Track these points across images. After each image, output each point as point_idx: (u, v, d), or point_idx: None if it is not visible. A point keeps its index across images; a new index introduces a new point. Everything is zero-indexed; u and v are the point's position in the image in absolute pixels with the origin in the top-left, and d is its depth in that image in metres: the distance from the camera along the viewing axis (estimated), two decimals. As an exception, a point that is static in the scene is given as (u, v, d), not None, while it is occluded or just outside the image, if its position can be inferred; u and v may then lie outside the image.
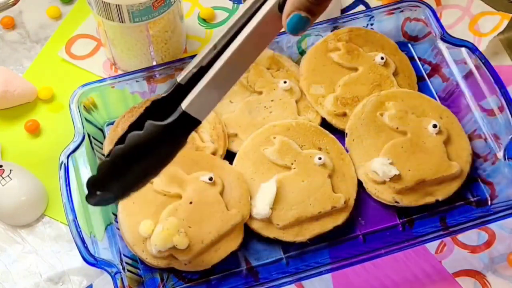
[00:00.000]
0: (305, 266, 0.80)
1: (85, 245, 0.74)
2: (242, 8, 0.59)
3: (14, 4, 0.92)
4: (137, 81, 0.87)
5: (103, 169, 0.61)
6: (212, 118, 0.87)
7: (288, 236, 0.81)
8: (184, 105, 0.58)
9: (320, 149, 0.85)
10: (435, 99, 0.91)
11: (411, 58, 0.94)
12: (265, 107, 0.89)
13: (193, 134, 0.86)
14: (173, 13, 0.88)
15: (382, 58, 0.90)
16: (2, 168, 0.85)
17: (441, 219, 0.84)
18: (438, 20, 0.90)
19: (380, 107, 0.87)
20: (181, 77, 0.60)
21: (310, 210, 0.81)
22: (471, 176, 0.86)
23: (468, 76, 0.87)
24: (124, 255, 0.80)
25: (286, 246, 0.82)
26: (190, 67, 0.60)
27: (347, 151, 0.86)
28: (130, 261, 0.80)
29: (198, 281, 0.80)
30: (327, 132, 0.87)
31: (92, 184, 0.62)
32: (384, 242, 0.79)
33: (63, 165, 0.79)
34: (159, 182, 0.81)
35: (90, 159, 0.82)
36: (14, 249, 0.84)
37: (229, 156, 0.86)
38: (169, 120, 0.58)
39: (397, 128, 0.86)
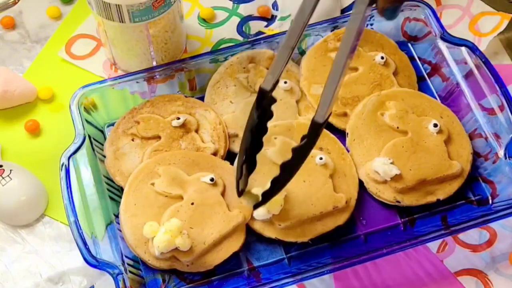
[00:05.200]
0: (306, 266, 0.80)
1: (87, 246, 0.74)
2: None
3: (14, 4, 0.92)
4: (137, 82, 0.87)
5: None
6: (213, 118, 0.87)
7: (289, 237, 0.81)
8: (320, 119, 0.68)
9: (321, 149, 0.85)
10: (436, 98, 0.91)
11: (411, 58, 0.94)
12: (265, 107, 0.89)
13: (194, 134, 0.86)
14: (173, 13, 0.88)
15: (382, 58, 0.90)
16: (2, 168, 0.85)
17: (442, 219, 0.84)
18: (438, 19, 0.90)
19: (381, 106, 0.87)
20: (268, 84, 0.70)
21: (312, 210, 0.81)
22: (472, 175, 0.86)
23: (468, 75, 0.87)
24: (126, 256, 0.80)
25: (287, 246, 0.82)
26: (276, 73, 0.70)
27: (348, 151, 0.86)
28: (131, 262, 0.80)
29: (200, 282, 0.80)
30: (328, 132, 0.87)
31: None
32: (386, 241, 0.79)
33: (64, 167, 0.79)
34: (160, 183, 0.81)
35: (90, 160, 0.82)
36: (14, 249, 0.84)
37: (230, 156, 0.86)
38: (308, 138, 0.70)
39: (397, 127, 0.86)
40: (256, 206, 0.77)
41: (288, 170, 0.72)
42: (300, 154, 0.71)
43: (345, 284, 0.81)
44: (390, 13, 0.62)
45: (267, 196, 0.74)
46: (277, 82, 0.71)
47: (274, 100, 0.72)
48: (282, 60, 0.70)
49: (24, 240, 0.85)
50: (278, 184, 0.73)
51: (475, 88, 0.87)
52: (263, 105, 0.71)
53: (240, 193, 0.76)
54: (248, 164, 0.74)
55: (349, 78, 0.90)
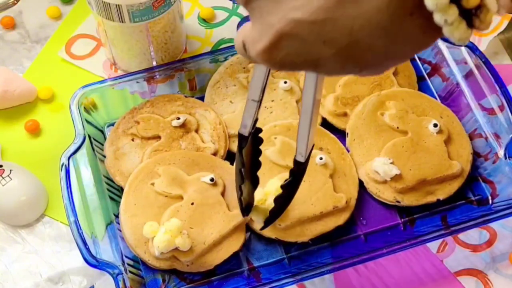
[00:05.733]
0: (306, 266, 0.80)
1: (87, 246, 0.74)
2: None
3: (14, 4, 0.92)
4: (137, 82, 0.87)
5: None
6: (213, 118, 0.87)
7: (289, 237, 0.81)
8: (301, 158, 0.69)
9: (321, 149, 0.85)
10: (436, 98, 0.91)
11: (411, 58, 0.94)
12: (265, 107, 0.89)
13: (194, 134, 0.86)
14: (173, 13, 0.88)
15: (382, 58, 0.90)
16: (2, 168, 0.85)
17: (442, 218, 0.84)
18: (438, 19, 0.90)
19: (381, 106, 0.88)
20: (247, 129, 0.71)
21: (312, 210, 0.81)
22: (472, 175, 0.86)
23: (468, 75, 0.87)
24: (126, 256, 0.80)
25: (287, 246, 0.82)
26: (249, 122, 0.70)
27: (348, 151, 0.86)
28: (131, 262, 0.80)
29: (200, 282, 0.80)
30: (328, 132, 0.87)
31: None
32: (386, 241, 0.79)
33: (64, 167, 0.79)
34: (160, 183, 0.81)
35: (90, 160, 0.82)
36: (14, 249, 0.84)
37: (230, 156, 0.86)
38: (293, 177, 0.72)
39: (397, 127, 0.86)
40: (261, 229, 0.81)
41: (280, 204, 0.76)
42: (289, 190, 0.74)
43: (345, 284, 0.81)
44: None
45: (266, 224, 0.78)
46: (255, 122, 0.71)
47: (259, 130, 0.73)
48: (251, 112, 0.70)
49: (24, 240, 0.85)
50: (274, 214, 0.77)
51: (475, 88, 0.87)
52: (252, 144, 0.73)
53: (245, 211, 0.78)
54: (248, 187, 0.76)
55: (349, 78, 0.90)
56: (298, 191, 0.81)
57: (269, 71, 0.67)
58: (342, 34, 0.46)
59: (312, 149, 0.70)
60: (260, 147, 0.84)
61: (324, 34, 0.46)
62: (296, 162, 0.70)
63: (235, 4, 1.02)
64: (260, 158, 0.81)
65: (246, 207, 0.77)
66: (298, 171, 0.71)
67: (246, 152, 0.73)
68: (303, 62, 0.49)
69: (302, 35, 0.47)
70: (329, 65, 0.48)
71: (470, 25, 0.44)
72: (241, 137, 0.72)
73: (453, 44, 0.88)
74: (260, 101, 0.68)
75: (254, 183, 0.76)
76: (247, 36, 0.52)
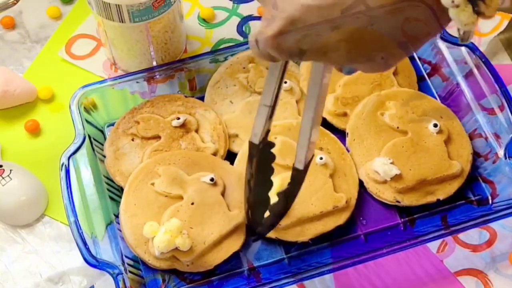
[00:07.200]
0: (306, 266, 0.80)
1: (87, 246, 0.74)
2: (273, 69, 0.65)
3: (14, 4, 0.92)
4: (137, 82, 0.87)
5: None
6: (213, 118, 0.87)
7: (289, 236, 0.81)
8: (300, 166, 0.68)
9: (321, 149, 0.85)
10: (436, 98, 0.91)
11: (411, 58, 0.94)
12: (265, 107, 0.88)
13: (194, 134, 0.86)
14: (173, 13, 0.88)
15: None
16: (2, 168, 0.85)
17: (442, 218, 0.84)
18: (438, 19, 0.90)
19: (381, 106, 0.88)
20: (257, 138, 0.69)
21: (312, 210, 0.81)
22: (472, 175, 0.86)
23: (468, 75, 0.87)
24: (126, 256, 0.80)
25: (287, 246, 0.82)
26: (260, 129, 0.68)
27: (348, 150, 0.86)
28: (131, 262, 0.80)
29: (200, 282, 0.80)
30: (328, 132, 0.87)
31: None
32: (386, 241, 0.79)
33: (64, 167, 0.79)
34: (160, 183, 0.81)
35: (90, 160, 0.82)
36: (14, 249, 0.84)
37: (230, 156, 0.86)
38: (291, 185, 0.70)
39: (397, 127, 0.86)
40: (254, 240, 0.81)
41: (276, 212, 0.74)
42: (286, 199, 0.72)
43: (345, 284, 0.81)
44: (346, 71, 0.60)
45: (260, 236, 0.78)
46: (268, 131, 0.69)
47: (272, 145, 0.72)
48: (262, 118, 0.68)
49: (24, 240, 0.85)
50: (270, 226, 0.76)
51: (475, 88, 0.87)
52: (262, 154, 0.71)
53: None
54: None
55: (349, 78, 0.90)
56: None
57: (283, 74, 0.65)
58: (350, 19, 0.46)
59: (312, 158, 0.68)
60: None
61: (332, 20, 0.47)
62: (294, 169, 0.68)
63: (235, 4, 1.02)
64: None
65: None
66: (296, 179, 0.69)
67: (255, 166, 0.71)
68: (310, 49, 0.50)
69: (312, 20, 0.48)
70: (336, 52, 0.49)
71: (476, 12, 0.45)
72: (251, 145, 0.69)
73: (455, 43, 0.88)
74: (272, 107, 0.66)
75: (264, 203, 0.74)
76: (259, 27, 0.53)
